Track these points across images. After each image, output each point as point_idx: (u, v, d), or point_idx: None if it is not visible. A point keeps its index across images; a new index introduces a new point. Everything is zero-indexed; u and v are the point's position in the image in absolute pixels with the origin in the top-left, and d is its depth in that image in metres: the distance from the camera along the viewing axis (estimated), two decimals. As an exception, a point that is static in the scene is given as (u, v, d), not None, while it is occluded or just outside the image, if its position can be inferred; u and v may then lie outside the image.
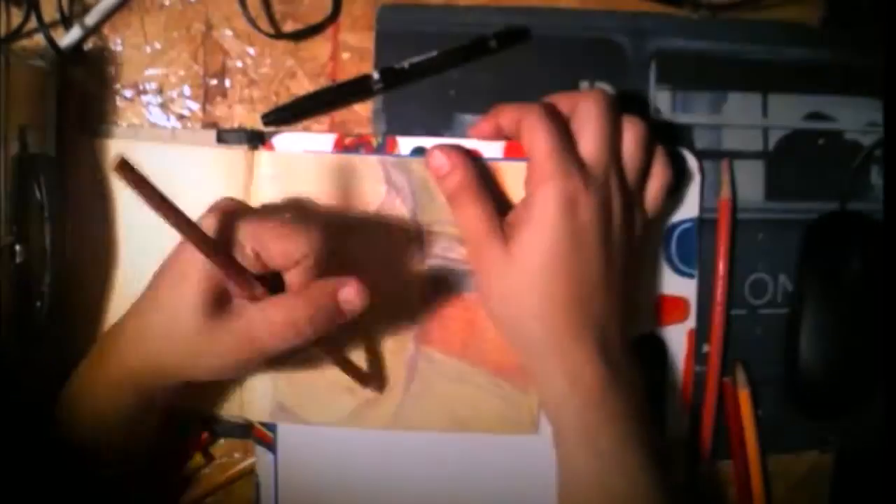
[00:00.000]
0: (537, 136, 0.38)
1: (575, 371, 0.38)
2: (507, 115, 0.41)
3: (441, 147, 0.40)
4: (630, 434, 0.37)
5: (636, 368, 0.40)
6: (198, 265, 0.35)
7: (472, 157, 0.41)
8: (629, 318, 0.41)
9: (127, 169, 0.28)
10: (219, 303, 0.35)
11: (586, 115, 0.39)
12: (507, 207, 0.42)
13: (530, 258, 0.38)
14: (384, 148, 0.43)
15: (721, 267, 0.45)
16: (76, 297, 0.43)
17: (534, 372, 0.40)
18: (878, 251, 0.44)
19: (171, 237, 0.43)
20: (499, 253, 0.39)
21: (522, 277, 0.38)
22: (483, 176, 0.41)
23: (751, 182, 0.45)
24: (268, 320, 0.35)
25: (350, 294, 0.35)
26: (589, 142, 0.39)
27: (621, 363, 0.39)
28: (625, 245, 0.40)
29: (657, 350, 0.45)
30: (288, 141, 0.43)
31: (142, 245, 0.43)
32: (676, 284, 0.45)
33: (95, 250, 0.43)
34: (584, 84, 0.44)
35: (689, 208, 0.45)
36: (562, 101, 0.41)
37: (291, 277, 0.36)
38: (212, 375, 0.37)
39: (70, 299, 0.42)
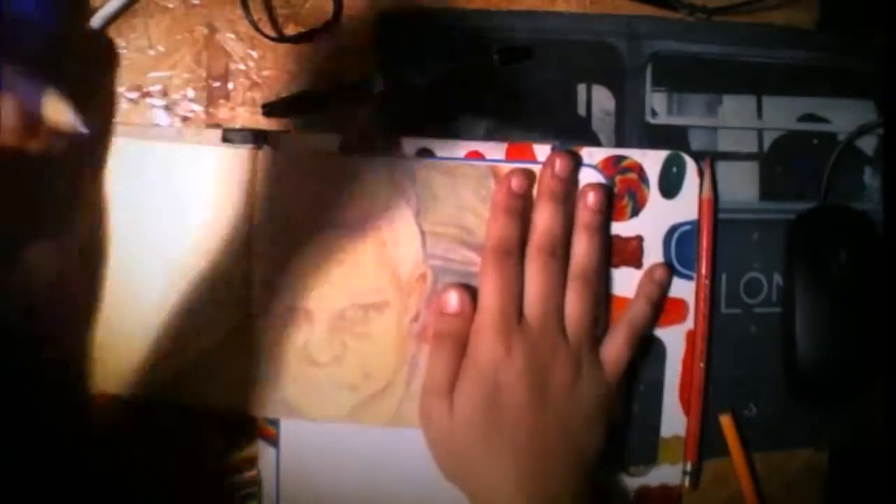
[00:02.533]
0: (485, 287, 0.41)
1: None
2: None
3: (458, 288, 0.42)
4: None
5: None
6: None
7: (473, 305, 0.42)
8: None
9: None
10: None
11: (535, 272, 0.41)
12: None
13: (463, 410, 0.40)
14: (389, 149, 0.44)
15: (704, 266, 0.45)
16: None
17: None
18: (863, 243, 0.45)
19: (159, 233, 0.43)
20: (444, 404, 0.41)
21: (459, 427, 0.40)
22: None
23: (745, 183, 0.45)
24: None
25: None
26: (530, 299, 0.41)
27: None
28: (566, 404, 0.41)
29: (656, 351, 0.45)
30: (293, 141, 0.44)
31: (130, 242, 0.43)
32: (675, 286, 0.45)
33: (92, 247, 0.43)
34: (582, 87, 0.45)
35: (687, 211, 0.45)
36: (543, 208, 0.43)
37: None
38: None
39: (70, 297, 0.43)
